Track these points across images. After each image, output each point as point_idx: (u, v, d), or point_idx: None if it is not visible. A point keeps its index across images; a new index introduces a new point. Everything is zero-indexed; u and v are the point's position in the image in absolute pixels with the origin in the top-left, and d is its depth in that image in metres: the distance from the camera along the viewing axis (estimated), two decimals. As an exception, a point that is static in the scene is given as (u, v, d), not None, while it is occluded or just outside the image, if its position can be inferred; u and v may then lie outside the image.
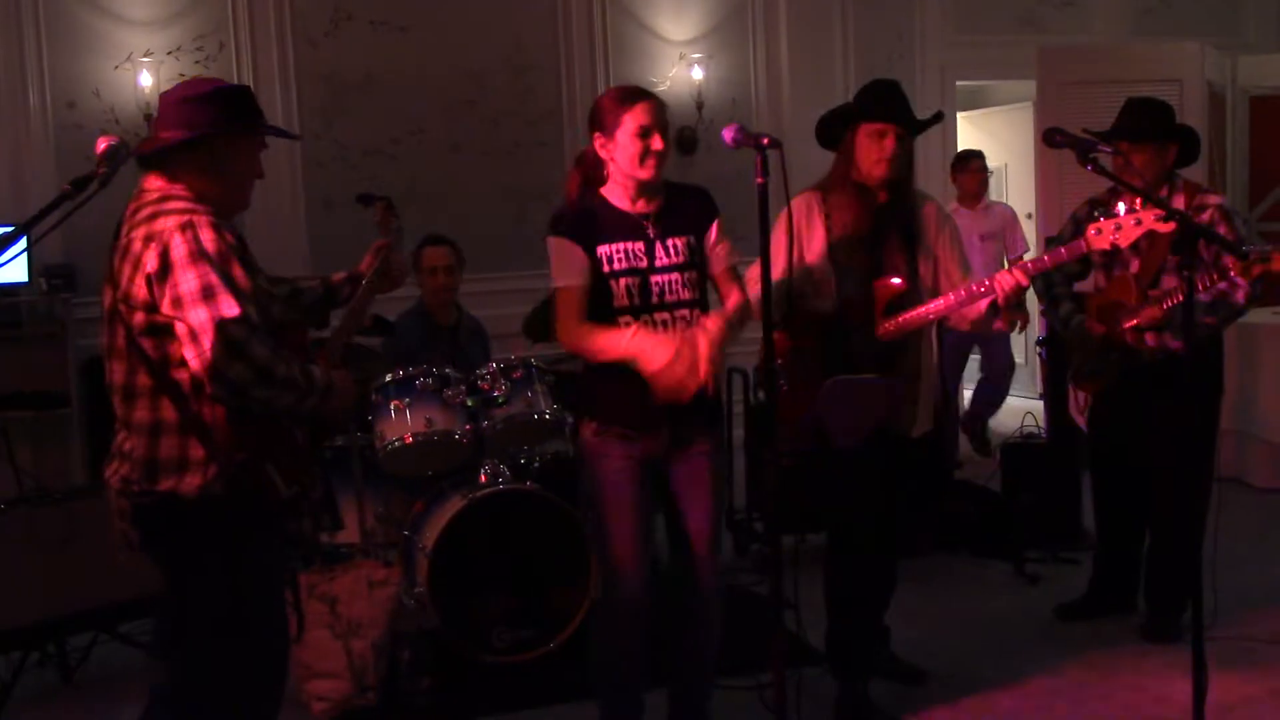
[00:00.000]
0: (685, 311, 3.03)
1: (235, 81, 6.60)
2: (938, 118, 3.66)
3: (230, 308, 2.42)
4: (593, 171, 3.10)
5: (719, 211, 3.15)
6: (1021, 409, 6.71)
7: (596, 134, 3.04)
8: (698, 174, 7.28)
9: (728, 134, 2.81)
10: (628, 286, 2.99)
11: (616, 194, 3.06)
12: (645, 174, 3.00)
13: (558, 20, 7.32)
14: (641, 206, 3.05)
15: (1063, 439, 5.29)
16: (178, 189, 2.57)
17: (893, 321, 3.44)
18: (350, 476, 4.37)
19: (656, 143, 2.98)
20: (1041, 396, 6.92)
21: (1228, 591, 4.14)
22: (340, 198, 6.76)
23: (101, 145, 2.42)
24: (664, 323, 3.01)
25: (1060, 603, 4.49)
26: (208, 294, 2.42)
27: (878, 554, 3.64)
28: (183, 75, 6.52)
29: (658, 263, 3.01)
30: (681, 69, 7.52)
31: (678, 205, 3.09)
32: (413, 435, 4.18)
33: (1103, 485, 4.41)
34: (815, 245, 3.53)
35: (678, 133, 7.49)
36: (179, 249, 2.44)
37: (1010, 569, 4.95)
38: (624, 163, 3.00)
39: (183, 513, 2.53)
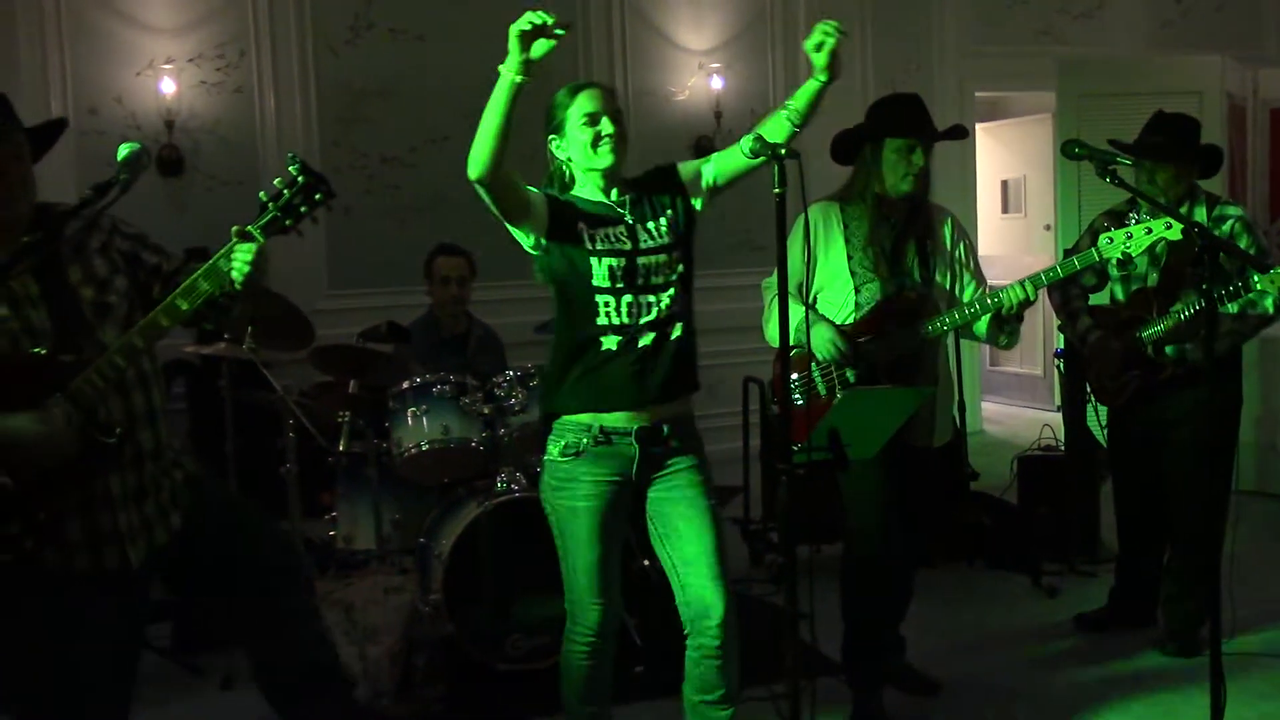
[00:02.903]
0: (673, 290, 2.91)
1: (255, 89, 6.71)
2: (958, 131, 3.65)
3: None
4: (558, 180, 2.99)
5: (675, 164, 3.03)
6: (1039, 421, 6.70)
7: (551, 136, 2.96)
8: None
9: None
10: (611, 268, 2.85)
11: (588, 190, 2.96)
12: (602, 161, 2.89)
13: (577, 29, 7.33)
14: (615, 197, 2.95)
15: (1081, 451, 5.27)
16: None
17: None
18: (366, 483, 4.38)
19: (606, 126, 2.88)
20: (1059, 409, 6.89)
21: (1247, 605, 4.11)
22: (359, 205, 6.80)
23: (123, 152, 2.45)
24: (649, 305, 2.88)
25: (1078, 614, 4.47)
26: None
27: (894, 565, 3.63)
28: (204, 82, 6.57)
29: (642, 245, 2.90)
30: (700, 78, 7.53)
31: (646, 190, 2.99)
32: (429, 442, 4.20)
33: (1123, 498, 4.38)
34: (833, 256, 3.53)
35: (695, 141, 7.51)
36: None
37: (1028, 581, 4.93)
38: (579, 156, 2.91)
39: None
